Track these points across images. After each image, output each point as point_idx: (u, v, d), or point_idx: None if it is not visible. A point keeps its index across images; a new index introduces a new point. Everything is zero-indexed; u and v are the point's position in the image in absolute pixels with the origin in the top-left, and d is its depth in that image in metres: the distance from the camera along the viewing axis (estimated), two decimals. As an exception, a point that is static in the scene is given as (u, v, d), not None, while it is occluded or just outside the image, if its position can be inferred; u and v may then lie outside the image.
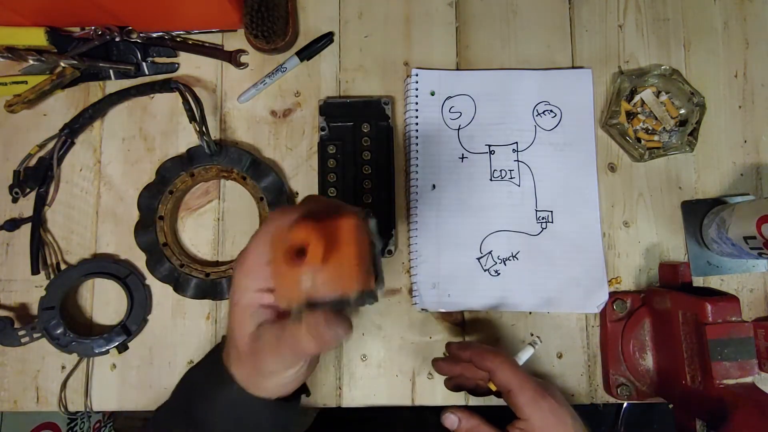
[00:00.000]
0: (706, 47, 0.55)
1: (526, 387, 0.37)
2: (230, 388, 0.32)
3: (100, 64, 0.53)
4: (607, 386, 0.50)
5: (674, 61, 0.54)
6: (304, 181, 0.53)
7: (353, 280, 0.28)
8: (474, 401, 0.50)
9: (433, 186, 0.52)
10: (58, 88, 0.52)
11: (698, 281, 0.52)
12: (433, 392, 0.50)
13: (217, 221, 0.53)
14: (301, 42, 0.54)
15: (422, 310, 0.51)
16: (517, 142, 0.53)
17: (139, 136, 0.54)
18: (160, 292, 0.51)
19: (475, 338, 0.51)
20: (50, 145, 0.53)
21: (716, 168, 0.53)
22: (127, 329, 0.50)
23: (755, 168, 0.53)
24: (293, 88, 0.54)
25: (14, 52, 0.51)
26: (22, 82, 0.52)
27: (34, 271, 0.51)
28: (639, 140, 0.52)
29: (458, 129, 0.53)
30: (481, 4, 0.55)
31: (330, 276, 0.27)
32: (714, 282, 0.52)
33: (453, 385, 0.46)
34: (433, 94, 0.53)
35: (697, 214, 0.52)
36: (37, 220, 0.52)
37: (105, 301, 0.52)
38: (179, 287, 0.50)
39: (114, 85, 0.54)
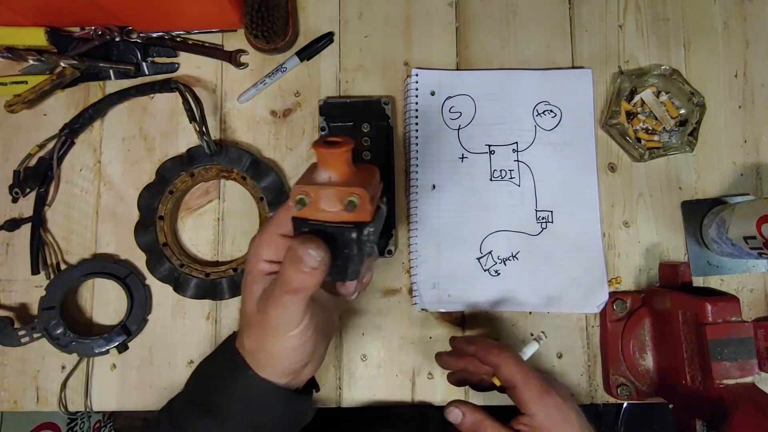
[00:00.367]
0: (706, 47, 0.55)
1: (531, 382, 0.37)
2: (246, 374, 0.33)
3: (100, 64, 0.53)
4: (607, 386, 0.50)
5: (674, 61, 0.54)
6: (304, 181, 0.53)
7: (362, 208, 0.29)
8: (474, 398, 0.50)
9: (433, 186, 0.52)
10: (58, 88, 0.52)
11: (698, 281, 0.52)
12: (433, 392, 0.50)
13: (217, 221, 0.53)
14: (301, 42, 0.54)
15: (422, 309, 0.51)
16: (517, 142, 0.53)
17: (139, 136, 0.54)
18: (160, 292, 0.51)
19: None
20: (50, 145, 0.53)
21: (716, 168, 0.53)
22: (127, 329, 0.50)
23: (755, 168, 0.53)
24: (293, 88, 0.54)
25: (14, 52, 0.51)
26: (22, 82, 0.52)
27: (34, 271, 0.51)
28: (639, 140, 0.52)
29: (458, 129, 0.53)
30: (481, 4, 0.55)
31: (335, 194, 0.29)
32: (714, 282, 0.52)
33: (456, 380, 0.46)
34: (433, 94, 0.53)
35: (697, 214, 0.52)
36: (37, 220, 0.52)
37: (105, 301, 0.52)
38: (179, 287, 0.50)
39: (114, 85, 0.54)
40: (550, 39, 0.55)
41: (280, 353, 0.33)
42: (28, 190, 0.52)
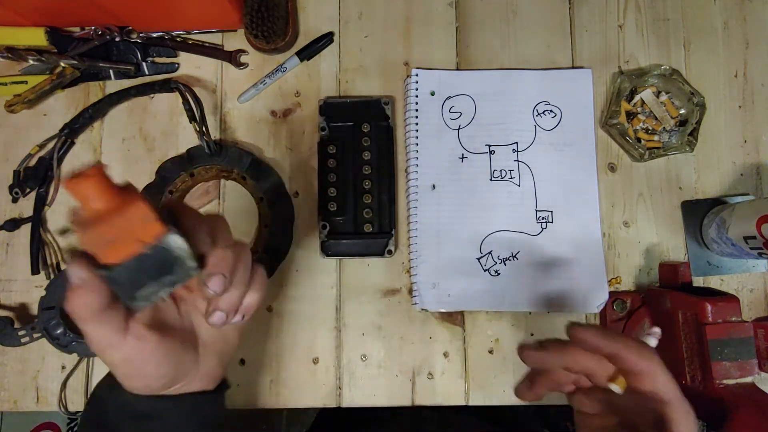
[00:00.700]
0: (706, 47, 0.55)
1: (684, 398, 0.32)
2: (119, 389, 0.32)
3: (100, 64, 0.53)
4: (607, 386, 0.50)
5: (674, 61, 0.54)
6: (304, 181, 0.53)
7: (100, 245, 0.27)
8: (475, 400, 0.50)
9: (433, 186, 0.52)
10: (58, 88, 0.52)
11: (698, 281, 0.52)
12: (433, 392, 0.50)
13: (217, 221, 0.53)
14: (301, 42, 0.54)
15: (422, 310, 0.51)
16: (517, 142, 0.53)
17: (139, 136, 0.54)
18: (160, 292, 0.51)
19: (474, 338, 0.51)
20: (50, 145, 0.53)
21: (716, 168, 0.53)
22: (127, 329, 0.50)
23: (755, 168, 0.53)
24: (293, 88, 0.54)
25: (14, 52, 0.51)
26: (22, 82, 0.52)
27: (34, 271, 0.51)
28: (639, 140, 0.52)
29: (458, 129, 0.53)
30: (481, 4, 0.55)
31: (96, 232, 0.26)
32: (714, 282, 0.52)
33: (532, 387, 0.37)
34: (433, 94, 0.53)
35: (697, 214, 0.52)
36: (37, 220, 0.52)
37: (105, 301, 0.52)
38: (179, 287, 0.50)
39: (114, 85, 0.54)
40: (550, 39, 0.55)
41: (121, 365, 0.31)
42: (28, 190, 0.52)
